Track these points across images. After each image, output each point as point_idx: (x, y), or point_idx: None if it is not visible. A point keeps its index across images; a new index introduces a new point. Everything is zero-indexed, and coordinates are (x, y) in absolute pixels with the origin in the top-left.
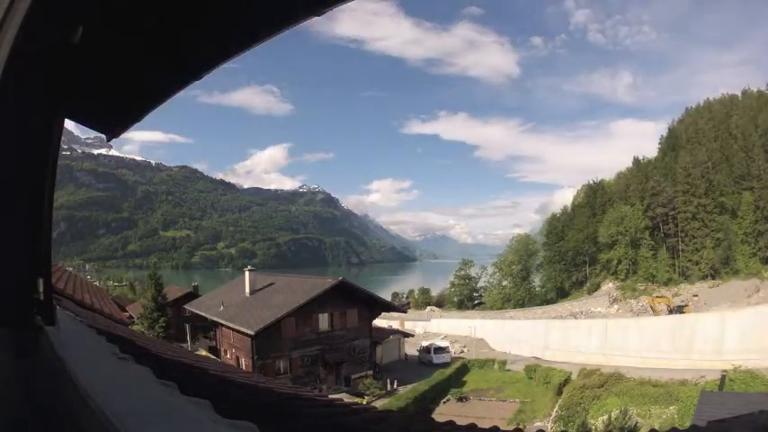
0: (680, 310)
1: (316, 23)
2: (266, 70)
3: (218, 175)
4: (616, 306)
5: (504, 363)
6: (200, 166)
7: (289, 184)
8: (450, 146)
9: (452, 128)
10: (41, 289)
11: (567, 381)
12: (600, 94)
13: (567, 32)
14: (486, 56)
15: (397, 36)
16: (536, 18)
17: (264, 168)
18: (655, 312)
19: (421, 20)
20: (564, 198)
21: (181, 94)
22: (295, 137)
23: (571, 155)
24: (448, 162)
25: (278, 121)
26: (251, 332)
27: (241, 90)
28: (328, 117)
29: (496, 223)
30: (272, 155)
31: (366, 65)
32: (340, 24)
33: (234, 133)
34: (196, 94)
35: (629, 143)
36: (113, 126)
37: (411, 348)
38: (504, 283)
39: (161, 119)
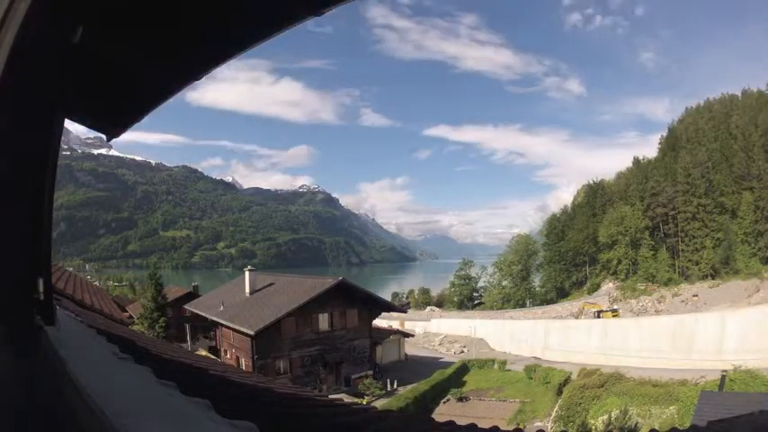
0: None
1: (423, 37)
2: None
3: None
4: (616, 306)
5: (504, 363)
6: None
7: (300, 182)
8: (475, 150)
9: (500, 136)
10: (41, 289)
11: (567, 381)
12: (641, 113)
13: (633, 68)
14: (565, 82)
15: (491, 59)
16: (613, 56)
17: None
18: (580, 316)
19: (519, 50)
20: (564, 198)
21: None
22: (314, 140)
23: (599, 160)
24: (472, 166)
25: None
26: (251, 332)
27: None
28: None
29: (497, 223)
30: (298, 154)
31: (451, 79)
32: (446, 44)
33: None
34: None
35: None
36: (113, 126)
37: (411, 348)
38: (504, 283)
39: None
